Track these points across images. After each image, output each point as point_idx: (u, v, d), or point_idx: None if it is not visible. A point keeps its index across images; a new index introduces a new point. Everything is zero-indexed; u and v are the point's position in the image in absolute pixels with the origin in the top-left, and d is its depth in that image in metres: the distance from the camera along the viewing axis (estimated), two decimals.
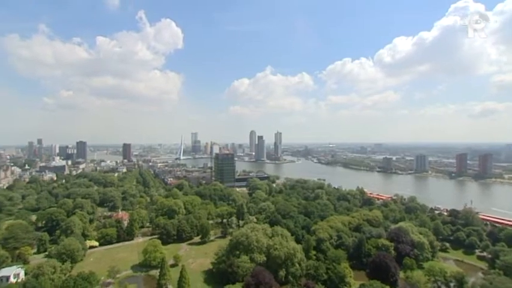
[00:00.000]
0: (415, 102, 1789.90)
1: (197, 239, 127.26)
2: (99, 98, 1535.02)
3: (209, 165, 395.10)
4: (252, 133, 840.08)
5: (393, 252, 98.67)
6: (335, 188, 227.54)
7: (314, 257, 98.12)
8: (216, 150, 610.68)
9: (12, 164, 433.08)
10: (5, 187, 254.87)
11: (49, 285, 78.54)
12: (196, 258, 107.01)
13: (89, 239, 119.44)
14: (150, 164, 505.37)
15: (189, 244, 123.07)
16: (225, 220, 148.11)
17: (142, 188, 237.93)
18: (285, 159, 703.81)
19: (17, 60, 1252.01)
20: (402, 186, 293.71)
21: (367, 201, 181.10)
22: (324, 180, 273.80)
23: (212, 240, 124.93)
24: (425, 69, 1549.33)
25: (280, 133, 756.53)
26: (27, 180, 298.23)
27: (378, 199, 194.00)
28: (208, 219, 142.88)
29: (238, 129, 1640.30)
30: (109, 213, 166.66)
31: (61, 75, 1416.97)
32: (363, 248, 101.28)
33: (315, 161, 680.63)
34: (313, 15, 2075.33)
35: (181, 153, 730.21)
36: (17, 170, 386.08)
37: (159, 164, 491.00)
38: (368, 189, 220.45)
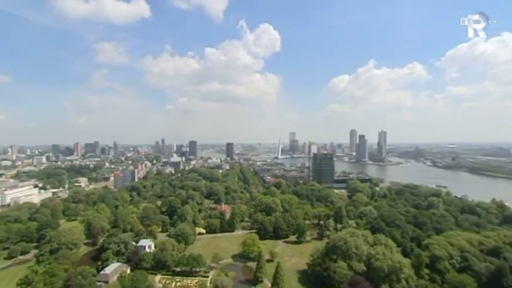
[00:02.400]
0: None
1: (293, 237, 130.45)
2: (207, 102, 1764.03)
3: (307, 164, 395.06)
4: (352, 132, 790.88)
5: None
6: (456, 197, 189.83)
7: (427, 277, 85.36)
8: (314, 149, 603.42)
9: (145, 159, 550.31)
10: (141, 177, 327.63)
11: (169, 258, 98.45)
12: (292, 257, 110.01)
13: (198, 226, 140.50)
14: (250, 162, 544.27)
15: (285, 242, 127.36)
16: (321, 222, 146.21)
17: (242, 185, 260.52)
18: (390, 161, 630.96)
19: (150, 76, 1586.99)
20: None
21: (509, 219, 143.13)
22: (445, 187, 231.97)
23: (308, 241, 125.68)
24: None
25: (385, 132, 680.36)
26: (155, 172, 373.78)
27: None
28: (304, 219, 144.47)
29: (337, 128, 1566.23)
30: (214, 206, 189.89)
31: (178, 85, 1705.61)
32: (505, 279, 79.06)
33: (428, 163, 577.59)
34: None
35: (279, 153, 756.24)
36: (148, 164, 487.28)
37: (258, 163, 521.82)
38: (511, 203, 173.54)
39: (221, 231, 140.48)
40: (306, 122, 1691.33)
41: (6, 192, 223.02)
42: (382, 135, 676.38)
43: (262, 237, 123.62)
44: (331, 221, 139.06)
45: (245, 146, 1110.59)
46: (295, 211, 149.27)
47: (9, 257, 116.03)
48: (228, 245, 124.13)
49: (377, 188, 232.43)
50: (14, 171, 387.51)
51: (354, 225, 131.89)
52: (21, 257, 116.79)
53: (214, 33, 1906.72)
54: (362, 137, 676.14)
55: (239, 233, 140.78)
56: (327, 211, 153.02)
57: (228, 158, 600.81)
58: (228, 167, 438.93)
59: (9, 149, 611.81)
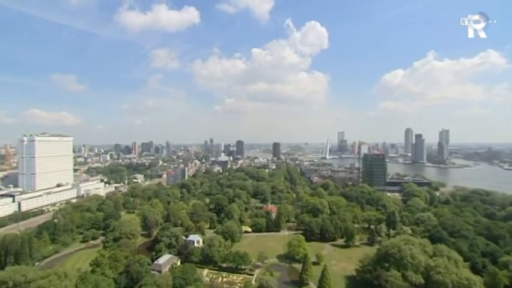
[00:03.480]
0: None
1: (340, 241, 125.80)
2: (254, 102, 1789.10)
3: (356, 165, 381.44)
4: (407, 131, 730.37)
5: None
6: None
7: None
8: (364, 150, 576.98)
9: (195, 158, 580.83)
10: (191, 175, 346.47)
11: (216, 254, 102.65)
12: (339, 261, 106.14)
13: (244, 225, 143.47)
14: (297, 162, 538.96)
15: (332, 245, 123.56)
16: (372, 226, 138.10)
17: (289, 185, 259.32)
18: (453, 163, 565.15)
19: (200, 79, 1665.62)
20: None
21: None
22: None
23: (356, 246, 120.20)
24: None
25: (447, 130, 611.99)
26: (203, 171, 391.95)
27: None
28: (353, 222, 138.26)
29: (390, 127, 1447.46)
30: (260, 205, 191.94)
31: (226, 86, 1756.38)
32: None
33: (506, 167, 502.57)
34: None
35: (327, 153, 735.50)
36: (198, 162, 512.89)
37: (305, 163, 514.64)
38: None
39: (267, 231, 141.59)
40: (355, 121, 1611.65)
41: (80, 185, 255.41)
42: (444, 134, 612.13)
43: (308, 239, 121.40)
44: (383, 226, 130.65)
45: (292, 145, 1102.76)
46: (344, 214, 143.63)
47: (84, 240, 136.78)
48: (273, 244, 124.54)
49: (437, 193, 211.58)
50: (85, 167, 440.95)
51: (410, 232, 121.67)
52: (92, 242, 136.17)
53: (260, 34, 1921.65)
54: (418, 136, 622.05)
55: (285, 233, 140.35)
56: (378, 215, 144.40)
57: (275, 158, 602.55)
58: (274, 167, 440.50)
59: (82, 148, 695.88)
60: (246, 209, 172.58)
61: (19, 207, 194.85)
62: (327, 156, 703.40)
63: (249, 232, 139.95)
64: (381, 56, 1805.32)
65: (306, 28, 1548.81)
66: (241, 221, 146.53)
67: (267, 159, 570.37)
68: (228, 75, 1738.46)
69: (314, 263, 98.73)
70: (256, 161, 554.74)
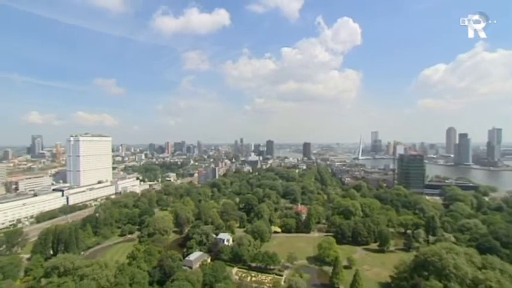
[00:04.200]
0: None
1: (374, 245, 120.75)
2: (284, 101, 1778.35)
3: (391, 166, 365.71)
4: (449, 130, 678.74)
5: None
6: None
7: None
8: (400, 150, 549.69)
9: (225, 158, 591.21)
10: (221, 174, 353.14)
11: (246, 253, 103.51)
12: (372, 266, 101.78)
13: (273, 225, 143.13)
14: (328, 162, 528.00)
15: (365, 249, 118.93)
16: (408, 231, 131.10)
17: (319, 185, 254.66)
18: (507, 165, 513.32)
19: (230, 79, 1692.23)
20: None
21: None
22: None
23: (391, 251, 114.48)
24: None
25: (499, 129, 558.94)
26: (234, 170, 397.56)
27: None
28: (387, 226, 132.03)
29: (429, 126, 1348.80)
30: (290, 205, 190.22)
31: (255, 86, 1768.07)
32: None
33: None
34: None
35: (360, 153, 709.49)
36: (228, 162, 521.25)
37: (337, 163, 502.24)
38: None
39: (296, 231, 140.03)
40: (390, 120, 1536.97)
41: (118, 182, 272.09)
42: (495, 133, 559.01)
43: (339, 242, 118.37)
44: (421, 231, 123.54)
45: (323, 145, 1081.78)
46: (377, 217, 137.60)
47: (121, 234, 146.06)
48: (303, 245, 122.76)
49: (486, 198, 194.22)
50: (122, 166, 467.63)
51: (453, 239, 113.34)
52: (129, 236, 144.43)
53: (290, 33, 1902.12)
54: (463, 136, 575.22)
55: (315, 234, 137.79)
56: (415, 220, 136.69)
57: (305, 158, 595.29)
58: (304, 167, 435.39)
59: (120, 147, 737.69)
60: (276, 209, 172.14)
61: (67, 201, 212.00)
62: (360, 157, 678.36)
63: (278, 232, 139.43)
64: (419, 51, 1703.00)
65: (338, 25, 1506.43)
66: (271, 221, 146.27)
67: (297, 159, 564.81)
68: (258, 75, 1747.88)
69: (345, 267, 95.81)
70: (286, 160, 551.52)
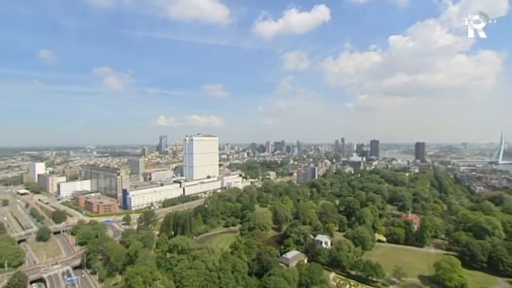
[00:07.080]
0: None
1: None
2: (390, 97, 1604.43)
3: None
4: None
5: None
6: None
7: None
8: None
9: (325, 158, 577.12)
10: (321, 175, 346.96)
11: (345, 259, 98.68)
12: None
13: (377, 233, 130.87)
14: (449, 166, 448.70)
15: (509, 282, 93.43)
16: None
17: (436, 193, 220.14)
18: None
19: (330, 77, 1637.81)
20: None
21: None
22: None
23: None
24: None
25: None
26: (334, 171, 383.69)
27: None
28: None
29: None
30: (398, 213, 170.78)
31: (358, 82, 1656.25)
32: None
33: None
34: None
35: (500, 156, 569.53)
36: (328, 162, 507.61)
37: (462, 168, 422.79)
38: None
39: (405, 243, 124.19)
40: None
41: (224, 178, 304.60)
42: None
43: (466, 265, 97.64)
44: None
45: (441, 146, 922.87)
46: None
47: (226, 225, 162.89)
48: (413, 260, 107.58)
49: None
50: (227, 163, 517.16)
51: None
52: (232, 227, 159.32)
53: (398, 19, 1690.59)
54: None
55: (430, 250, 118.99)
56: None
57: (418, 160, 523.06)
58: (417, 171, 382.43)
59: (225, 146, 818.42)
60: (381, 216, 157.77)
61: (183, 192, 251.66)
62: (501, 161, 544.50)
63: (383, 241, 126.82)
64: None
65: None
66: (374, 228, 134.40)
67: (408, 162, 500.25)
68: (360, 70, 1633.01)
69: None
70: (394, 162, 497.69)
